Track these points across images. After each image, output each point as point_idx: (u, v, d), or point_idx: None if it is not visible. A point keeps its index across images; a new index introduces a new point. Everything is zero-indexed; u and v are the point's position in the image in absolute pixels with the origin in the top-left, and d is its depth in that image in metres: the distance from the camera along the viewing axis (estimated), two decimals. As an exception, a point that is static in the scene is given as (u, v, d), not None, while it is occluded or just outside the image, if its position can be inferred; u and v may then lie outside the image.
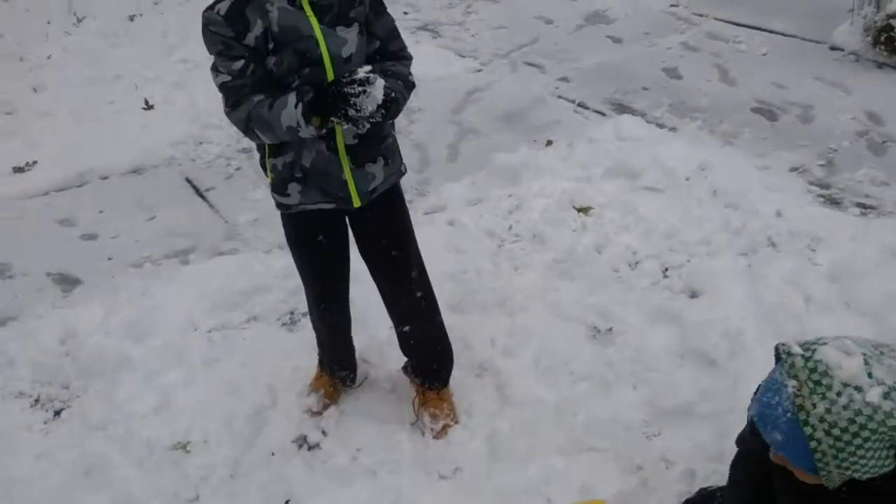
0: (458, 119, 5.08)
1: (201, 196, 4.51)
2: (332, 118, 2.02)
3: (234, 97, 2.12)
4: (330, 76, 2.10)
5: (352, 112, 1.97)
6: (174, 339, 3.16)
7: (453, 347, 2.80)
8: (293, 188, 2.27)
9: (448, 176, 4.35)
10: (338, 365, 2.74)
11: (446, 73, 5.73)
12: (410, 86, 2.24)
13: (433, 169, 4.50)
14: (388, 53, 2.23)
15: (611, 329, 2.98)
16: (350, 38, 2.11)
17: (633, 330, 2.94)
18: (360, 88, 1.95)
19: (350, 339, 2.73)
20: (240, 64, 2.08)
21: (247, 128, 2.14)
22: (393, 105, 2.05)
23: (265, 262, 3.61)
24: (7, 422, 2.91)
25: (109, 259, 3.96)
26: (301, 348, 3.01)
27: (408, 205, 4.10)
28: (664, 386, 2.68)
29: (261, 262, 3.61)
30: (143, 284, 3.52)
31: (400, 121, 5.08)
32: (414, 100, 5.42)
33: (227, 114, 2.16)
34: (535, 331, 2.99)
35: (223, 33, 2.05)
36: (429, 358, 2.62)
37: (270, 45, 2.08)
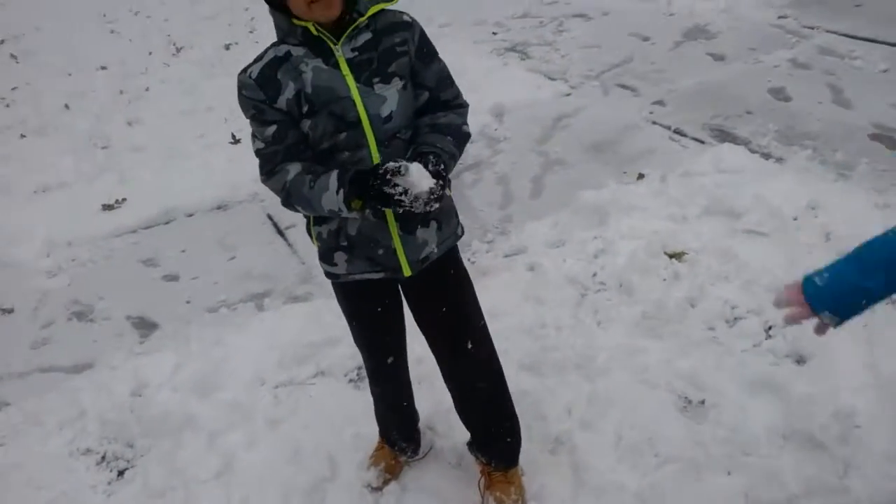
0: (544, 149, 4.83)
1: (281, 234, 4.45)
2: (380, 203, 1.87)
3: (268, 165, 2.00)
4: (370, 138, 1.94)
5: (399, 210, 1.83)
6: (241, 396, 3.07)
7: (526, 414, 2.57)
8: (339, 257, 2.12)
9: (531, 213, 4.12)
10: (398, 437, 2.56)
11: (534, 98, 5.50)
12: (464, 138, 2.04)
13: (516, 206, 4.27)
14: (440, 103, 2.04)
15: (703, 402, 2.67)
16: (390, 94, 1.94)
17: (730, 403, 2.63)
18: (400, 189, 1.79)
19: (410, 411, 2.55)
20: (272, 129, 1.95)
21: (286, 201, 2.01)
22: (444, 179, 1.87)
23: (336, 310, 3.44)
24: (74, 480, 2.88)
25: (187, 302, 3.94)
26: (365, 410, 2.83)
27: (489, 245, 3.98)
28: (763, 473, 2.36)
29: (332, 310, 3.43)
30: (216, 333, 3.46)
31: (482, 151, 4.93)
32: (499, 128, 5.28)
33: (263, 182, 2.03)
34: (617, 399, 2.72)
35: (254, 97, 1.93)
36: (493, 436, 2.40)
37: (305, 108, 1.93)
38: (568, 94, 5.52)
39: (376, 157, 1.94)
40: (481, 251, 3.85)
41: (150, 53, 8.16)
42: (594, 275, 3.42)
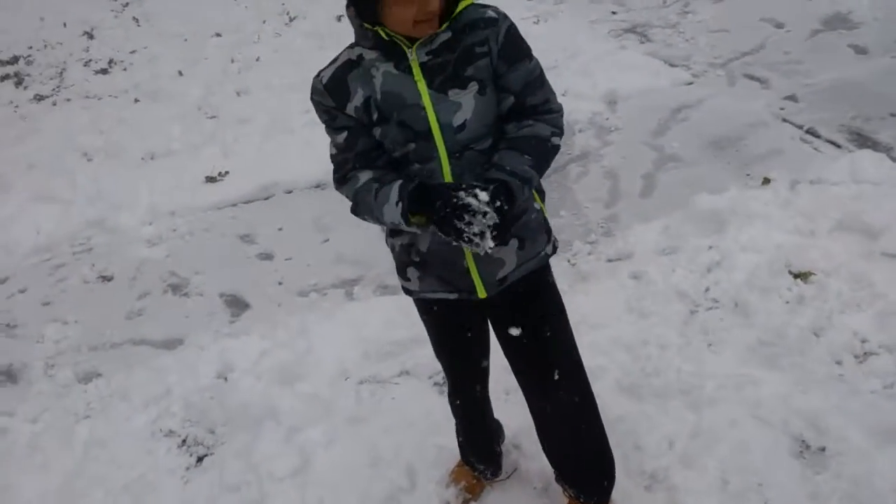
0: (659, 143, 4.51)
1: (377, 218, 4.34)
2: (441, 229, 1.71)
3: (340, 172, 1.88)
4: (440, 149, 1.77)
5: (461, 244, 1.68)
6: (323, 390, 2.99)
7: (621, 443, 2.37)
8: (412, 273, 1.96)
9: (639, 214, 3.85)
10: (477, 458, 2.40)
11: (652, 85, 5.16)
12: (548, 152, 1.81)
13: (623, 204, 4.00)
14: (527, 108, 1.81)
15: (824, 449, 2.38)
16: (465, 101, 1.75)
17: (854, 452, 2.33)
18: (475, 230, 1.65)
19: (489, 429, 2.38)
20: (343, 136, 1.83)
21: (354, 209, 1.88)
22: (510, 207, 1.70)
23: (426, 307, 3.33)
24: (154, 463, 2.86)
25: (280, 284, 3.89)
26: (449, 419, 2.66)
27: (591, 246, 3.73)
28: (891, 542, 2.08)
29: (422, 306, 3.34)
30: (304, 320, 3.38)
31: (591, 141, 4.65)
32: (611, 117, 4.98)
33: (336, 188, 1.91)
34: (724, 435, 2.47)
35: (325, 102, 1.82)
36: (582, 470, 2.19)
37: (375, 116, 1.79)
38: (690, 83, 5.15)
39: (447, 170, 1.78)
40: (583, 253, 3.61)
41: (264, 22, 8.18)
42: (707, 290, 3.14)
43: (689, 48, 5.68)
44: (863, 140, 4.09)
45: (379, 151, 1.84)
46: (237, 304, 3.80)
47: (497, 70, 1.77)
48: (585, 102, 5.04)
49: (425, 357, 3.09)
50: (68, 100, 7.02)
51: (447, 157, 1.77)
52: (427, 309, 2.08)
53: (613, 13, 6.71)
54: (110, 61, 7.88)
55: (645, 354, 2.85)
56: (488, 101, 1.78)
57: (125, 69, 7.52)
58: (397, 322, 3.24)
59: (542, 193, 2.00)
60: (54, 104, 6.99)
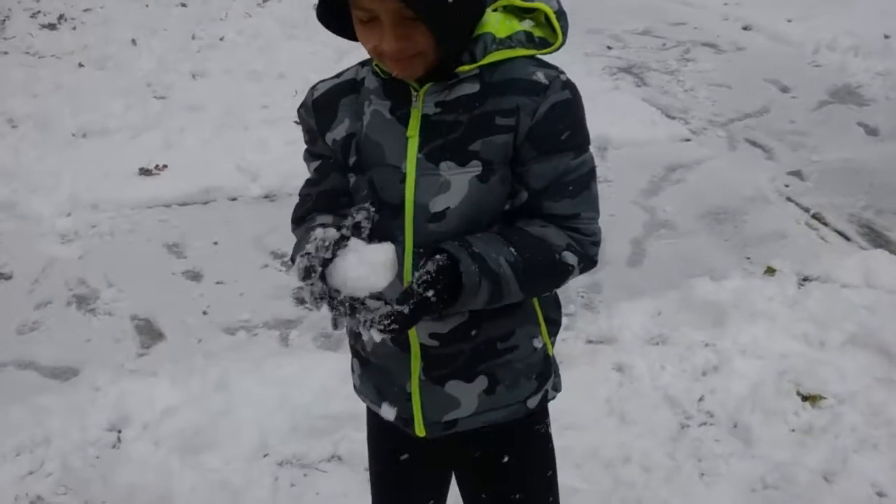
0: (651, 204, 4.08)
1: (329, 246, 3.81)
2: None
3: (300, 209, 1.43)
4: (407, 234, 1.29)
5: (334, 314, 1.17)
6: (234, 472, 2.44)
7: None
8: (356, 365, 1.51)
9: (626, 287, 3.40)
10: None
11: (646, 136, 4.74)
12: (556, 266, 1.26)
13: (608, 271, 3.54)
14: (544, 216, 1.29)
15: None
16: (457, 183, 1.26)
17: None
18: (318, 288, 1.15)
19: None
20: (315, 164, 1.42)
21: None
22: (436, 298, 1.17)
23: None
24: (9, 540, 2.30)
25: (204, 313, 3.34)
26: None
27: (569, 320, 3.25)
28: None
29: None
30: (225, 371, 2.83)
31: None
32: (600, 166, 4.52)
33: (292, 230, 1.44)
34: None
35: (309, 120, 1.40)
36: None
37: (353, 159, 1.34)
38: (687, 140, 4.75)
39: (407, 266, 1.29)
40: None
41: (236, -1, 7.58)
42: (701, 399, 2.70)
43: (688, 100, 5.29)
44: (875, 236, 3.72)
45: (348, 199, 1.37)
46: (150, 333, 3.23)
47: (521, 155, 1.26)
48: None
49: (363, 441, 2.59)
50: (5, 53, 6.33)
51: (411, 248, 1.29)
52: (368, 419, 1.62)
53: (609, 48, 6.31)
54: (60, 16, 7.17)
55: (627, 477, 2.38)
56: (490, 192, 1.27)
57: (75, 28, 6.84)
58: (336, 390, 2.71)
59: (555, 325, 1.48)
60: (-12, 56, 6.27)
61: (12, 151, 4.54)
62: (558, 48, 1.27)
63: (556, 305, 1.46)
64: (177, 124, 4.83)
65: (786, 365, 2.78)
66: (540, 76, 1.26)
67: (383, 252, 1.18)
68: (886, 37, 5.88)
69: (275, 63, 5.80)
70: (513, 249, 1.24)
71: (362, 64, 1.37)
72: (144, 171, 4.34)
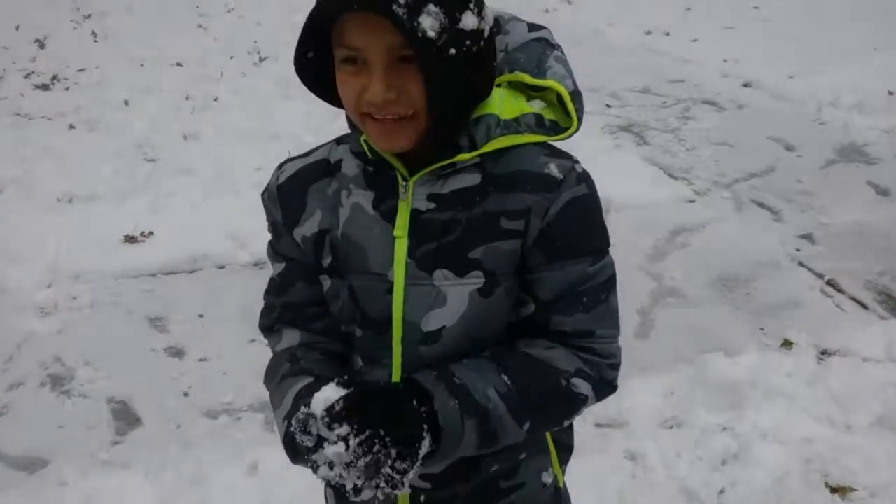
0: (657, 270, 3.91)
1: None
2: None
3: (263, 318, 1.27)
4: (395, 356, 1.11)
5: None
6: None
7: None
8: (329, 495, 1.33)
9: (635, 362, 3.18)
10: None
11: (649, 198, 4.59)
12: (564, 395, 1.08)
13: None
14: (552, 332, 1.10)
15: None
16: (454, 297, 1.07)
17: None
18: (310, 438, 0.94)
19: None
20: (279, 268, 1.22)
21: (265, 380, 1.24)
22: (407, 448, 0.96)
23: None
24: None
25: (185, 395, 3.13)
26: None
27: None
28: None
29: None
30: (200, 462, 2.63)
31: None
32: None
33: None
34: None
35: (272, 211, 1.20)
36: None
37: (326, 261, 1.14)
38: (692, 201, 4.60)
39: None
40: (566, 410, 2.94)
41: (231, 58, 7.52)
42: (721, 492, 2.49)
43: (690, 159, 5.16)
44: (894, 304, 3.53)
45: (320, 309, 1.18)
46: (126, 417, 3.02)
47: (528, 261, 1.08)
48: None
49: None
50: (-6, 114, 6.21)
51: (399, 375, 1.11)
52: None
53: (608, 106, 6.21)
54: (54, 77, 7.11)
55: (642, 586, 2.17)
56: (493, 307, 1.09)
57: (68, 88, 6.76)
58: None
59: (567, 451, 1.29)
60: (-23, 118, 6.17)
61: (-7, 218, 4.39)
62: (572, 134, 1.10)
63: (568, 428, 1.27)
64: (165, 188, 4.68)
65: (811, 451, 2.58)
66: (553, 169, 1.07)
67: None
68: (890, 93, 5.79)
69: (269, 123, 5.69)
70: (506, 378, 1.05)
71: (337, 141, 1.18)
72: (129, 239, 4.17)
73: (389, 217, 1.09)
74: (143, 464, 2.67)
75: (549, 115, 1.10)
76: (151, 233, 4.22)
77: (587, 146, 5.24)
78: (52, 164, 5.13)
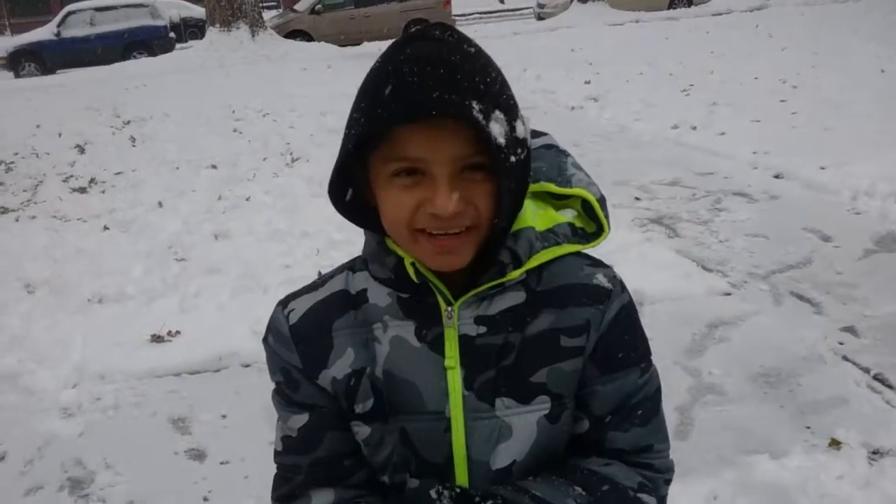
0: (695, 366, 3.77)
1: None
2: None
3: (282, 484, 1.11)
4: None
5: None
6: None
7: None
8: None
9: (677, 465, 3.02)
10: None
11: (683, 291, 4.49)
12: None
13: (654, 446, 3.19)
14: (606, 450, 1.05)
15: None
16: (521, 426, 1.01)
17: None
18: None
19: None
20: (301, 421, 1.07)
21: None
22: None
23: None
24: None
25: (205, 500, 3.02)
26: None
27: None
28: None
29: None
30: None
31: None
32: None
33: None
34: None
35: (284, 357, 1.07)
36: None
37: (364, 406, 1.03)
38: (727, 294, 4.47)
39: None
40: (602, 516, 2.77)
41: (264, 159, 7.72)
42: None
43: (724, 251, 5.06)
44: (950, 402, 3.34)
45: (355, 460, 1.07)
46: (145, 524, 2.92)
47: (585, 377, 1.04)
48: None
49: None
50: (33, 217, 6.41)
51: None
52: None
53: (637, 199, 6.18)
54: (91, 180, 7.33)
55: None
56: (560, 432, 1.04)
57: (104, 191, 6.95)
58: None
59: None
60: (17, 220, 6.36)
61: (24, 319, 4.41)
62: (603, 240, 1.08)
63: None
64: (194, 287, 4.70)
65: (870, 563, 2.38)
66: (602, 279, 1.05)
67: None
68: (926, 182, 5.69)
69: (299, 222, 5.75)
70: (581, 490, 0.99)
71: (350, 269, 1.09)
72: (156, 338, 4.15)
73: (437, 347, 1.01)
74: (157, 576, 2.55)
75: (578, 224, 1.08)
76: (178, 332, 4.21)
77: (617, 239, 5.19)
78: (84, 264, 5.20)
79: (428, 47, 0.90)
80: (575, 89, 10.86)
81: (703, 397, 3.52)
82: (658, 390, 1.10)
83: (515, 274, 1.00)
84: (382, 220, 0.98)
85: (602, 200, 1.08)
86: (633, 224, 5.64)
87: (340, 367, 1.03)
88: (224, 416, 3.57)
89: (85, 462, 3.28)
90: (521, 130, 0.94)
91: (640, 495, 1.03)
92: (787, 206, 5.77)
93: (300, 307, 1.08)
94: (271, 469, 3.13)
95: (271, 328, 1.10)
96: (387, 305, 1.03)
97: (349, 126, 0.94)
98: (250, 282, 4.71)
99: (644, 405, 1.06)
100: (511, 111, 0.93)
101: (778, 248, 5.02)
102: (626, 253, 5.01)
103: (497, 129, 0.89)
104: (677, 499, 2.76)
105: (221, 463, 3.24)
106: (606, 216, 1.07)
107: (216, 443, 3.36)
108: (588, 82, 11.20)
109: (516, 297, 1.02)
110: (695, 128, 8.13)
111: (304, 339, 1.06)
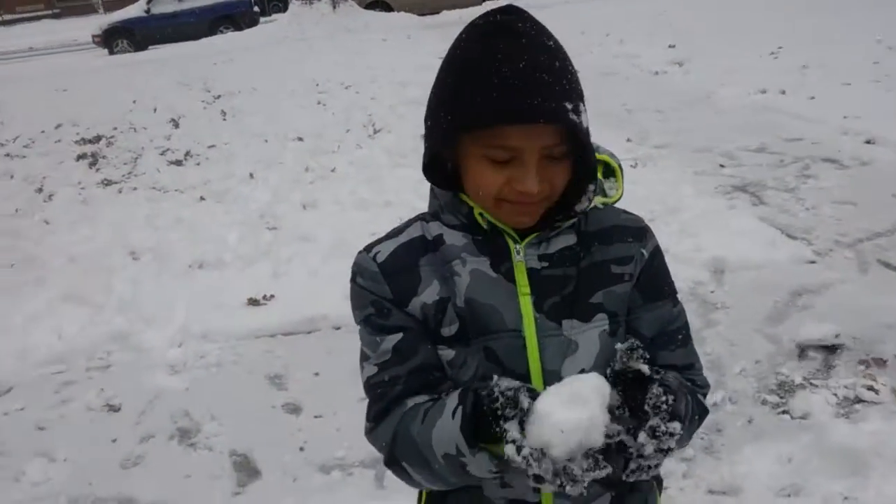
0: (776, 333, 3.77)
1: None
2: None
3: (379, 401, 1.23)
4: None
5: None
6: None
7: None
8: None
9: (750, 429, 3.09)
10: None
11: (766, 258, 4.46)
12: (704, 414, 1.26)
13: (731, 409, 3.25)
14: (659, 367, 1.17)
15: None
16: (585, 342, 1.17)
17: None
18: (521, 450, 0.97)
19: None
20: (395, 340, 1.20)
21: (392, 453, 1.20)
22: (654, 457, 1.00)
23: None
24: None
25: (301, 449, 3.25)
26: None
27: (687, 466, 2.97)
28: None
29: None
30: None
31: (692, 320, 3.87)
32: (716, 290, 4.28)
33: (368, 434, 1.27)
34: None
35: (376, 291, 1.22)
36: None
37: (449, 329, 1.18)
38: (812, 262, 4.43)
39: None
40: (676, 475, 2.86)
41: (348, 131, 7.93)
42: (845, 566, 2.35)
43: (810, 219, 4.99)
44: None
45: (443, 373, 1.21)
46: (247, 470, 3.16)
47: (633, 301, 1.23)
48: (686, 268, 4.37)
49: None
50: (135, 189, 6.80)
51: None
52: None
53: (722, 166, 6.11)
54: (187, 153, 7.70)
55: None
56: (617, 343, 1.17)
57: (199, 164, 7.30)
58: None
59: (660, 483, 1.34)
60: (120, 192, 6.77)
61: (131, 283, 4.75)
62: (617, 201, 1.29)
63: None
64: (286, 254, 4.94)
65: (948, 526, 2.40)
66: (639, 222, 1.27)
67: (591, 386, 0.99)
68: None
69: (382, 192, 5.94)
70: (684, 392, 1.17)
71: (424, 220, 1.26)
72: (252, 301, 4.42)
73: (510, 278, 1.18)
74: (259, 517, 2.79)
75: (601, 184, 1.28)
76: (273, 296, 4.46)
77: (698, 206, 5.20)
78: (184, 233, 5.52)
79: (517, 47, 1.06)
80: (659, 53, 10.67)
81: (783, 364, 3.54)
82: (688, 322, 1.29)
83: (564, 224, 1.20)
84: (466, 184, 1.17)
85: (621, 168, 1.30)
86: (717, 191, 5.59)
87: (429, 294, 1.19)
88: (317, 375, 3.79)
89: (191, 414, 3.56)
90: (585, 119, 1.11)
91: (698, 397, 1.25)
92: (877, 173, 5.61)
93: (385, 249, 1.25)
94: (361, 421, 3.34)
95: (359, 270, 1.26)
96: (463, 245, 1.20)
97: (451, 112, 1.09)
98: (339, 248, 4.92)
99: (682, 331, 1.26)
100: (583, 98, 1.10)
101: (866, 216, 4.91)
102: (709, 220, 4.99)
103: (582, 120, 1.08)
104: (751, 460, 2.84)
105: (315, 417, 3.47)
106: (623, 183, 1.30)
107: (310, 398, 3.59)
108: (672, 46, 10.98)
109: (568, 239, 1.21)
110: (783, 92, 7.92)
111: (392, 274, 1.22)
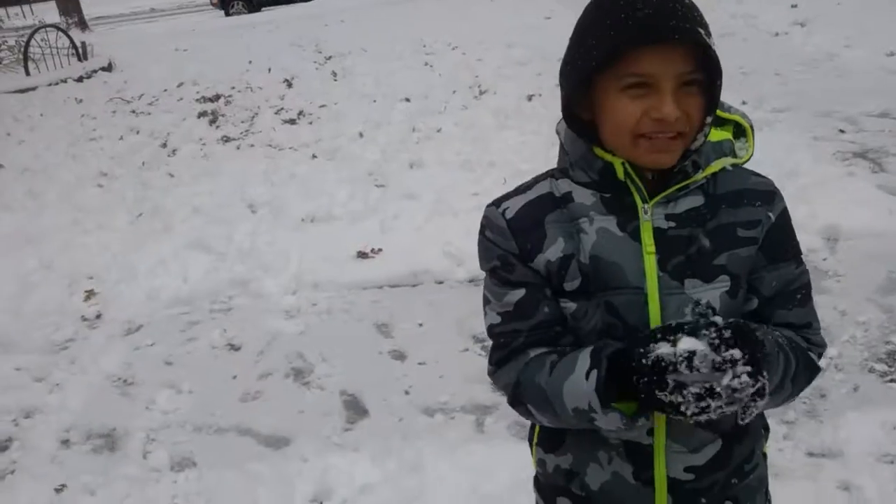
0: (889, 303, 3.67)
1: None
2: (656, 409, 1.08)
3: (501, 349, 1.30)
4: None
5: (678, 399, 1.03)
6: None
7: None
8: (542, 486, 1.43)
9: (855, 396, 3.05)
10: None
11: (884, 227, 4.31)
12: (812, 372, 1.26)
13: (838, 377, 3.21)
14: (775, 325, 1.27)
15: None
16: (709, 300, 1.18)
17: None
18: (688, 396, 1.02)
19: None
20: (519, 295, 1.26)
21: (516, 394, 1.28)
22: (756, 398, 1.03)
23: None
24: None
25: (406, 393, 3.43)
26: None
27: (788, 428, 2.95)
28: None
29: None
30: (420, 453, 2.89)
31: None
32: (829, 258, 4.17)
33: (491, 374, 1.35)
34: None
35: (502, 245, 1.27)
36: None
37: (572, 284, 1.23)
38: (932, 232, 4.25)
39: None
40: (777, 436, 2.86)
41: (454, 92, 8.01)
42: (948, 533, 2.33)
43: (933, 187, 4.76)
44: None
45: (564, 328, 1.27)
46: (356, 408, 3.37)
47: (756, 262, 1.25)
48: (800, 234, 4.05)
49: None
50: (252, 146, 7.10)
51: None
52: None
53: (842, 132, 5.87)
54: (300, 112, 7.97)
55: None
56: (737, 307, 1.24)
57: (311, 123, 7.55)
58: (525, 484, 2.66)
59: (767, 430, 1.41)
60: (238, 148, 7.09)
61: (250, 234, 5.03)
62: (747, 161, 1.30)
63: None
64: (392, 210, 5.12)
65: None
66: (769, 185, 1.28)
67: None
68: None
69: (486, 152, 6.01)
70: (784, 346, 1.21)
71: (553, 176, 1.29)
72: (361, 255, 4.62)
73: (636, 237, 1.21)
74: (369, 449, 2.99)
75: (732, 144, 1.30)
76: (380, 250, 4.65)
77: (815, 172, 5.04)
78: (297, 188, 5.77)
79: None
80: (779, 14, 10.19)
81: (894, 334, 3.45)
82: (810, 283, 1.30)
83: (699, 177, 1.21)
84: (603, 127, 1.18)
85: (752, 128, 1.30)
86: (835, 158, 5.39)
87: (553, 251, 1.24)
88: (420, 325, 3.96)
89: (305, 356, 3.80)
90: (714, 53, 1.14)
91: (811, 355, 1.27)
92: None
93: (514, 205, 1.29)
94: (463, 370, 3.52)
95: (488, 224, 1.30)
96: (592, 203, 1.24)
97: (586, 49, 1.14)
98: (442, 206, 5.06)
99: (801, 291, 1.28)
100: (711, 35, 1.13)
101: None
102: (826, 187, 4.84)
103: (715, 49, 1.11)
104: (854, 425, 2.83)
105: (419, 363, 3.64)
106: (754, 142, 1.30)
107: (414, 346, 3.76)
108: (795, 6, 10.46)
109: (696, 200, 1.22)
110: (913, 55, 7.48)
111: (520, 230, 1.25)
